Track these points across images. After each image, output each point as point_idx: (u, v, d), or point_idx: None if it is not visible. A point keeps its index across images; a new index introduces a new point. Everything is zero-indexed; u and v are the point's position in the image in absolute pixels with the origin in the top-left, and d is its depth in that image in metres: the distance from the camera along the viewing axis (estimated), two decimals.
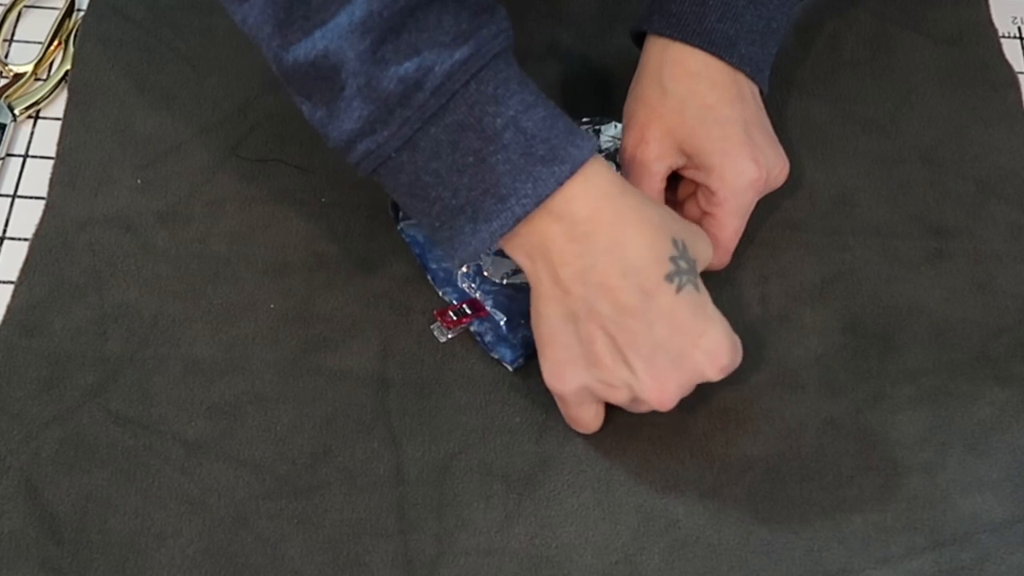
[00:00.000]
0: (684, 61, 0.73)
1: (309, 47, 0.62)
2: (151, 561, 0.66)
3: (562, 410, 0.70)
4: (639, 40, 0.77)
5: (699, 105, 0.73)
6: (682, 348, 0.65)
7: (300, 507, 0.68)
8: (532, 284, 0.66)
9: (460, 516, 0.69)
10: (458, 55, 0.61)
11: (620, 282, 0.64)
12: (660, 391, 0.65)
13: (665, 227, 0.65)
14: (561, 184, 0.63)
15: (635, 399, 0.67)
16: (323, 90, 0.63)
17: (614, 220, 0.64)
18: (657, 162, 0.74)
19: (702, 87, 0.73)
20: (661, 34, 0.74)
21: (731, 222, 0.74)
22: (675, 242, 0.65)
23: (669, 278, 0.64)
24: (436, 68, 0.61)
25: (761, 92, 0.76)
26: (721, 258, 0.75)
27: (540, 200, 0.63)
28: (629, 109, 0.76)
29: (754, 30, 0.74)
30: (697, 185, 0.75)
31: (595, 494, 0.70)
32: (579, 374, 0.66)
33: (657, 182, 0.74)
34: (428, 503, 0.69)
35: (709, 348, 0.65)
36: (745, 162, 0.73)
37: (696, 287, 0.66)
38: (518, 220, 0.63)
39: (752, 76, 0.74)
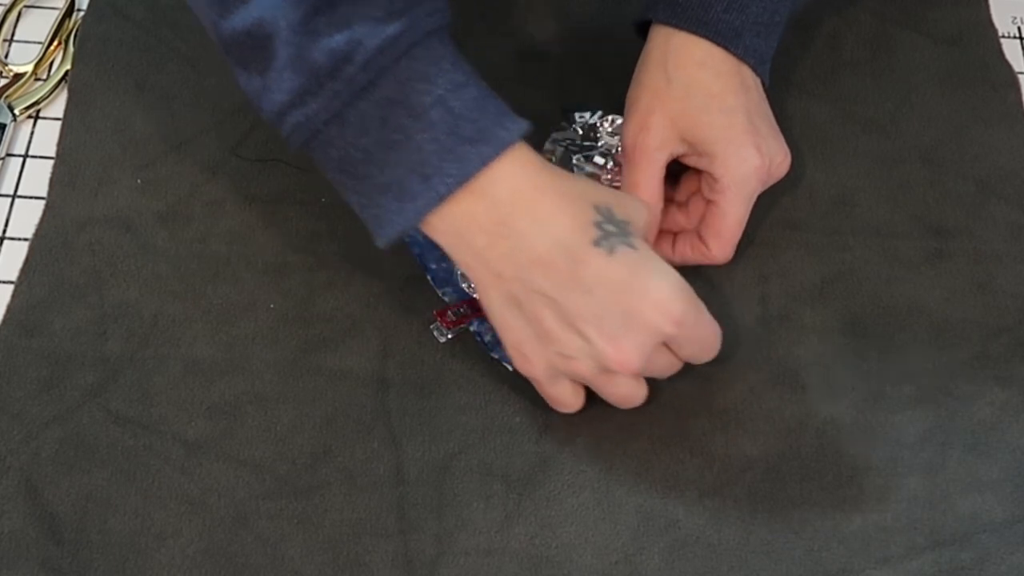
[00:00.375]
0: (689, 50, 0.74)
1: (245, 16, 0.62)
2: (151, 561, 0.66)
3: (540, 392, 0.70)
4: (643, 30, 0.77)
5: (703, 93, 0.73)
6: (628, 306, 0.64)
7: (300, 507, 0.68)
8: (468, 275, 0.67)
9: (460, 516, 0.69)
10: (390, 31, 0.62)
11: (548, 256, 0.64)
12: (617, 352, 0.65)
13: (585, 196, 0.66)
14: (486, 165, 0.63)
15: (601, 368, 0.66)
16: (258, 59, 0.63)
17: (533, 198, 0.64)
18: (658, 150, 0.74)
19: (707, 76, 0.73)
20: (666, 23, 0.74)
21: (734, 210, 0.74)
22: (598, 208, 0.65)
23: (597, 243, 0.64)
24: (366, 42, 0.62)
25: (763, 84, 0.76)
26: (723, 249, 0.75)
27: (463, 180, 0.63)
28: (632, 96, 0.76)
29: (759, 22, 0.74)
30: (700, 177, 0.75)
31: (595, 494, 0.70)
32: (540, 352, 0.67)
33: (657, 170, 0.74)
34: (428, 503, 0.69)
35: (657, 301, 0.65)
36: (748, 150, 0.73)
37: (632, 246, 0.65)
38: (442, 199, 0.63)
39: (755, 68, 0.75)
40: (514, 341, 0.67)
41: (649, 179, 0.74)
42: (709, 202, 0.74)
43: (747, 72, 0.74)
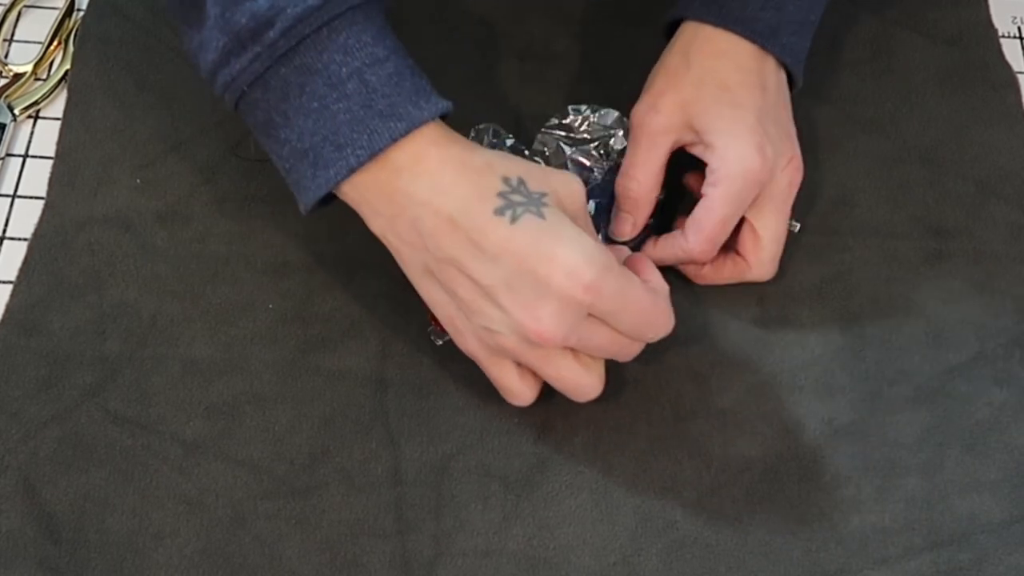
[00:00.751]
0: (715, 40, 0.74)
1: None
2: (149, 561, 0.66)
3: (491, 380, 0.70)
4: (672, 30, 0.77)
5: (718, 83, 0.73)
6: (538, 274, 0.63)
7: (298, 507, 0.68)
8: (385, 244, 0.68)
9: (458, 517, 0.69)
10: (312, 1, 0.63)
11: (449, 224, 0.64)
12: (534, 321, 0.63)
13: (493, 168, 0.66)
14: (395, 140, 0.64)
15: (526, 342, 0.65)
16: (195, 18, 0.66)
17: (437, 169, 0.65)
18: (664, 134, 0.74)
19: (726, 67, 0.73)
20: (702, 20, 0.74)
21: (720, 207, 0.72)
22: (506, 179, 0.65)
23: (499, 211, 0.64)
24: (288, 10, 0.63)
25: (793, 84, 0.76)
26: (701, 244, 0.73)
27: (373, 153, 0.64)
28: (650, 76, 0.76)
29: (795, 20, 0.74)
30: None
31: (593, 495, 0.70)
32: (468, 326, 0.67)
33: (659, 152, 0.74)
34: (426, 504, 0.69)
35: (565, 266, 0.63)
36: (749, 149, 0.72)
37: (540, 215, 0.64)
38: (352, 170, 0.65)
39: (792, 67, 0.75)
40: (445, 316, 0.68)
41: (648, 161, 0.74)
42: (701, 196, 0.74)
43: (771, 70, 0.74)
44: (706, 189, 0.73)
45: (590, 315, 0.65)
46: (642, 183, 0.75)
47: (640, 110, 0.75)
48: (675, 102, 0.74)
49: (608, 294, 0.64)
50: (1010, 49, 0.89)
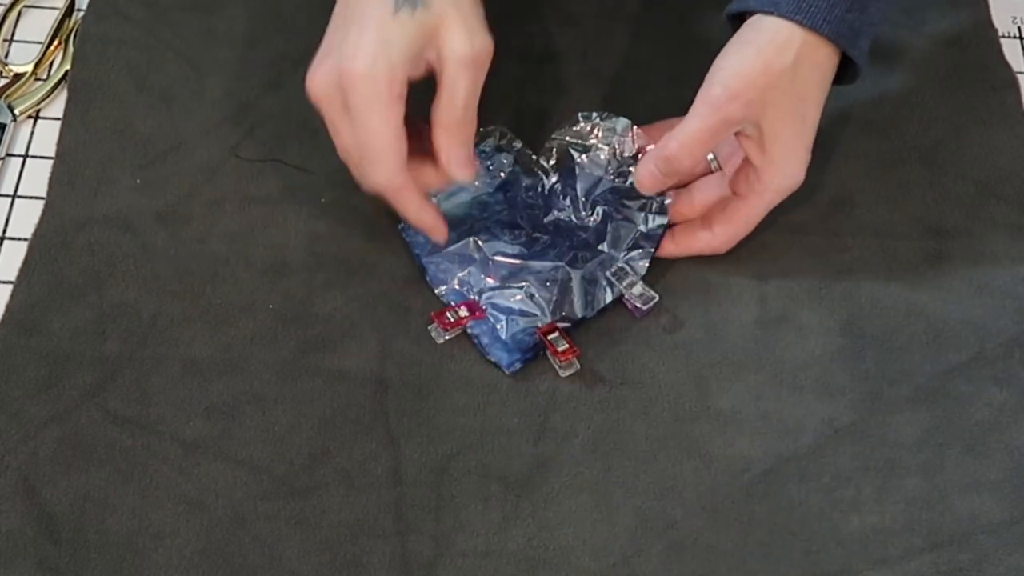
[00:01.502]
0: (813, 50, 0.72)
1: None
2: (149, 561, 0.66)
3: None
4: (739, 19, 0.74)
5: (802, 95, 0.73)
6: (349, 36, 0.69)
7: (298, 508, 0.68)
8: None
9: (458, 517, 0.69)
10: None
11: None
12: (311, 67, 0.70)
13: None
14: None
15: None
16: None
17: None
18: (734, 125, 0.72)
19: (815, 79, 0.73)
20: (790, 19, 0.72)
21: (758, 212, 0.75)
22: None
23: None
24: None
25: (848, 82, 0.76)
26: (730, 241, 0.76)
27: None
28: (734, 58, 0.72)
29: (872, 23, 0.74)
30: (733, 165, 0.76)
31: (593, 496, 0.70)
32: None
33: (719, 140, 0.73)
34: (426, 504, 0.69)
35: (359, 50, 0.68)
36: (800, 166, 0.74)
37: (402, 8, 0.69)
38: None
39: (862, 70, 0.74)
40: None
41: (704, 141, 0.73)
42: (736, 195, 0.75)
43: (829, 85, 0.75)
44: (747, 192, 0.74)
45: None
46: (693, 156, 0.73)
47: (720, 93, 0.72)
48: (759, 100, 0.72)
49: (358, 95, 0.68)
50: (1010, 49, 0.89)
